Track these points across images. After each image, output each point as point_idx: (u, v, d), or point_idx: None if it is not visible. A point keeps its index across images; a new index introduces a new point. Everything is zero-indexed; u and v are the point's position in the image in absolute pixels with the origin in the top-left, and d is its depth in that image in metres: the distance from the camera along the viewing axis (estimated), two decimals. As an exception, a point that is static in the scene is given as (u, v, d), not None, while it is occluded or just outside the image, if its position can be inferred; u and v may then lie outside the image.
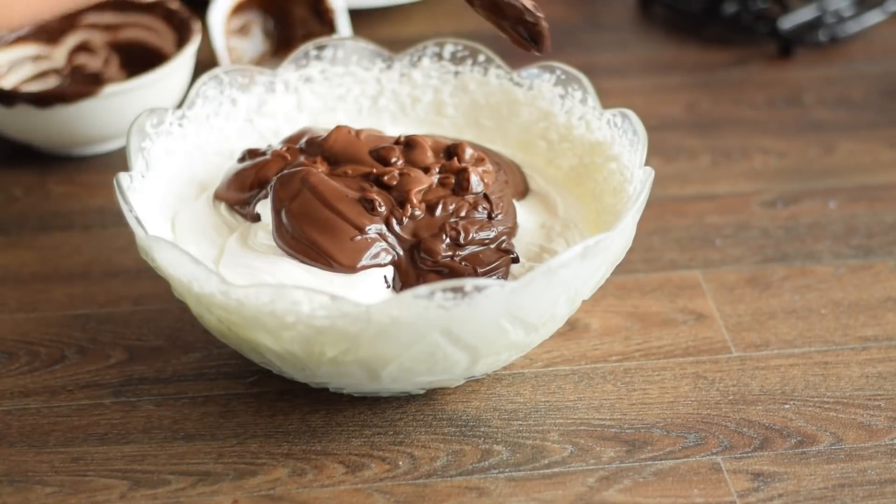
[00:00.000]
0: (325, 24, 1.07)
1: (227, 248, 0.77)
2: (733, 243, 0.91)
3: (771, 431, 0.76)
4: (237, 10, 1.07)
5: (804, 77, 1.09)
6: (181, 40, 1.00)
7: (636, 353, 0.82)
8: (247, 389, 0.79)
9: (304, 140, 0.82)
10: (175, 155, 0.82)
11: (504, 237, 0.77)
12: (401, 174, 0.78)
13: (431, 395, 0.78)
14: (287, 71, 0.87)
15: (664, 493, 0.73)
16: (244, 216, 0.79)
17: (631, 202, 0.74)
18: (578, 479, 0.73)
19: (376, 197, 0.76)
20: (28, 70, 1.03)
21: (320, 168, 0.79)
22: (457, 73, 0.88)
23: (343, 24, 1.07)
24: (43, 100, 0.94)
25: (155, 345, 0.82)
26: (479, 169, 0.79)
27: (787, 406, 0.78)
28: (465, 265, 0.75)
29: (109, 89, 0.94)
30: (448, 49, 0.88)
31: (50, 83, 1.03)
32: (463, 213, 0.77)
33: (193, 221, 0.80)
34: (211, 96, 0.85)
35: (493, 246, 0.77)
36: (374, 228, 0.75)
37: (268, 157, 0.80)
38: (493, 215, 0.77)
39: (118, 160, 0.92)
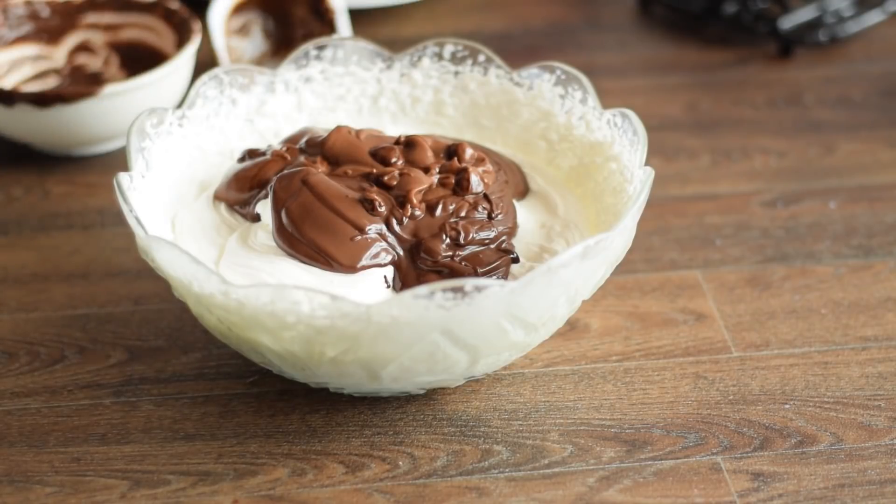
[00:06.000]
0: (325, 24, 1.07)
1: (227, 248, 0.77)
2: (733, 243, 0.91)
3: (771, 431, 0.76)
4: (237, 10, 1.07)
5: (804, 77, 1.10)
6: (181, 40, 1.00)
7: (636, 353, 0.82)
8: (247, 389, 0.79)
9: (304, 140, 0.82)
10: (175, 155, 0.82)
11: (504, 237, 0.77)
12: (401, 174, 0.78)
13: (431, 395, 0.78)
14: (287, 71, 0.87)
15: (664, 493, 0.73)
16: (244, 216, 0.79)
17: (631, 202, 0.74)
18: (578, 479, 0.73)
19: (376, 197, 0.76)
20: (28, 70, 1.03)
21: (320, 168, 0.79)
22: (457, 73, 0.88)
23: (343, 24, 1.07)
24: (43, 100, 0.94)
25: (155, 345, 0.82)
26: (480, 169, 0.79)
27: (787, 406, 0.78)
28: (465, 265, 0.75)
29: (109, 89, 0.94)
30: (448, 49, 0.88)
31: (50, 83, 1.03)
32: (463, 213, 0.77)
33: (193, 221, 0.80)
34: (211, 96, 0.85)
35: (493, 246, 0.77)
36: (374, 228, 0.75)
37: (268, 157, 0.80)
38: (493, 215, 0.77)
39: (118, 160, 0.92)
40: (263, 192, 0.78)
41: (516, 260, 0.77)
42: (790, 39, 1.11)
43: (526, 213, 0.80)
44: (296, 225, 0.75)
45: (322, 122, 0.87)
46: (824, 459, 0.75)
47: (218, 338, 0.75)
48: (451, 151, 0.80)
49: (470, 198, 0.77)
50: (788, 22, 1.11)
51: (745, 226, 0.92)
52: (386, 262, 0.75)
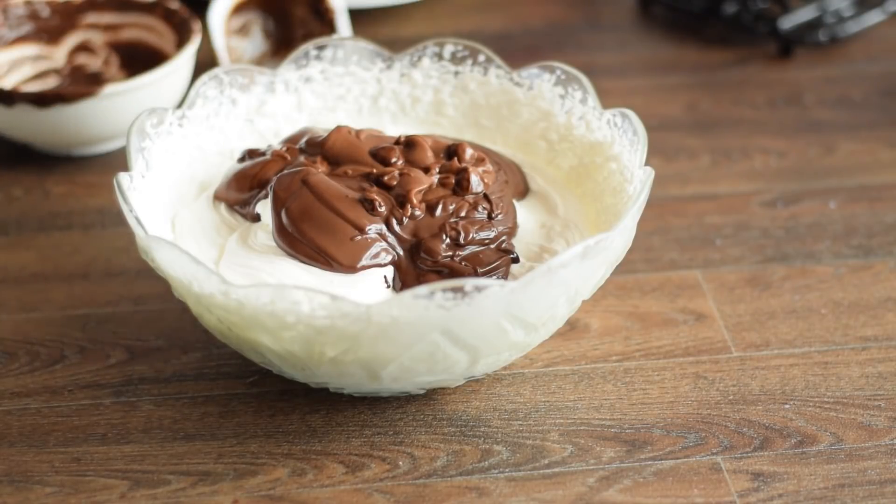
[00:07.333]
0: (325, 24, 1.07)
1: (227, 248, 0.77)
2: (733, 243, 0.91)
3: (771, 431, 0.76)
4: (237, 10, 1.07)
5: (804, 77, 1.10)
6: (181, 40, 1.00)
7: (636, 353, 0.82)
8: (247, 389, 0.79)
9: (304, 140, 0.82)
10: (175, 155, 0.82)
11: (504, 237, 0.77)
12: (401, 174, 0.78)
13: (431, 395, 0.78)
14: (287, 71, 0.87)
15: (664, 493, 0.73)
16: (244, 216, 0.79)
17: (631, 202, 0.74)
18: (578, 479, 0.73)
19: (376, 197, 0.76)
20: (28, 70, 1.03)
21: (320, 168, 0.79)
22: (457, 73, 0.88)
23: (343, 24, 1.07)
24: (43, 100, 0.94)
25: (155, 345, 0.82)
26: (480, 169, 0.79)
27: (787, 406, 0.78)
28: (465, 265, 0.75)
29: (109, 89, 0.94)
30: (448, 49, 0.88)
31: (50, 83, 1.03)
32: (463, 213, 0.77)
33: (193, 221, 0.80)
34: (211, 96, 0.85)
35: (493, 246, 0.77)
36: (374, 228, 0.75)
37: (268, 157, 0.80)
38: (493, 215, 0.77)
39: (118, 160, 0.92)
40: (263, 192, 0.78)
41: (516, 260, 0.77)
42: (790, 39, 1.11)
43: (526, 213, 0.80)
44: (296, 225, 0.75)
45: (322, 122, 0.87)
46: (824, 459, 0.75)
47: (218, 338, 0.75)
48: (451, 151, 0.80)
49: (470, 198, 0.77)
50: (788, 22, 1.11)
51: (745, 226, 0.92)
52: (386, 262, 0.75)
